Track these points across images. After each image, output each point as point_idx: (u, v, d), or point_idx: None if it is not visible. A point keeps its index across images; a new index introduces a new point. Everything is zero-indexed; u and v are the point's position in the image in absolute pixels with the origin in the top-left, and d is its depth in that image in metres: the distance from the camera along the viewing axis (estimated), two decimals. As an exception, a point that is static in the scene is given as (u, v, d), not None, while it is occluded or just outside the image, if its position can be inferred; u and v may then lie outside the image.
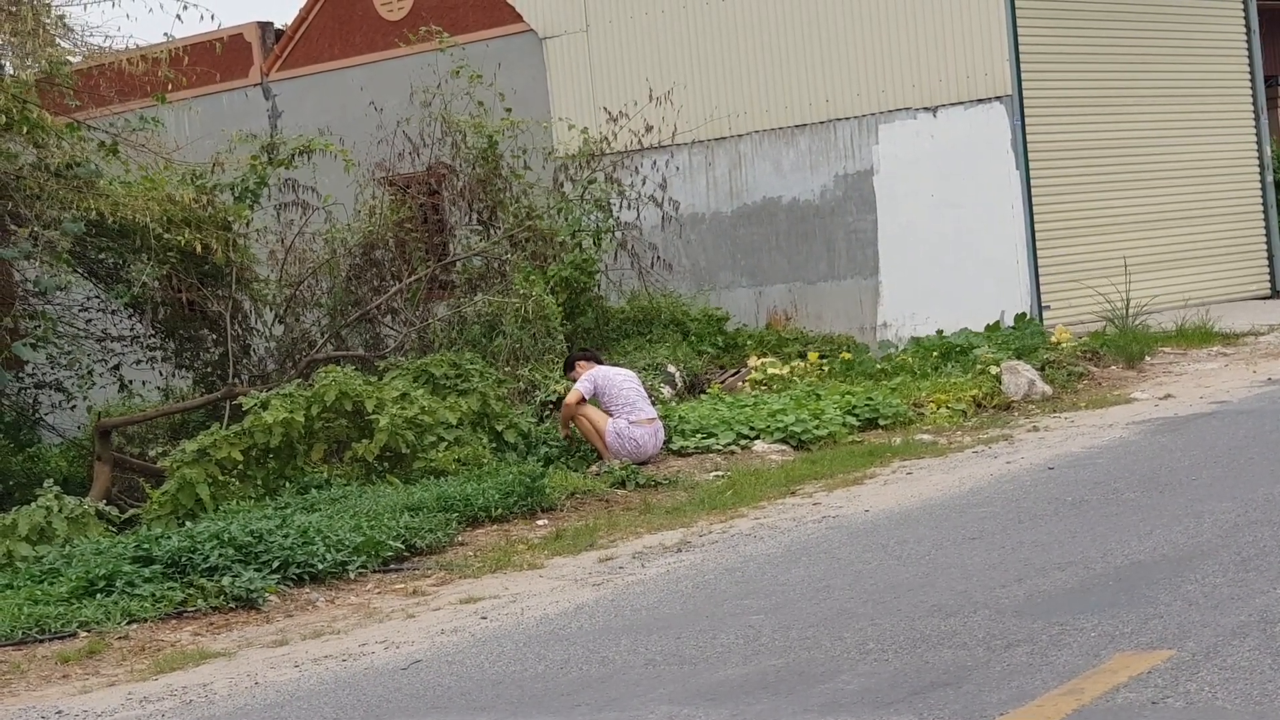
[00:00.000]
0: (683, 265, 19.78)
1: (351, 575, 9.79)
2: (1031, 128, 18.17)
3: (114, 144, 15.81)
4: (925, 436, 13.31)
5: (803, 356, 17.38)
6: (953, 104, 18.31)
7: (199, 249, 15.38)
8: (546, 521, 11.18)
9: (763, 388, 15.94)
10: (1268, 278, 21.00)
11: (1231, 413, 12.69)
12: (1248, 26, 20.86)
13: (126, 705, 7.39)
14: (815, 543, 9.43)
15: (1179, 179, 20.06)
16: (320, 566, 9.67)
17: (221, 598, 9.16)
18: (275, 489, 12.27)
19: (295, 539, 9.77)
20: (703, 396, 15.86)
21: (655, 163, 18.96)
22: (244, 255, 16.54)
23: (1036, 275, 18.10)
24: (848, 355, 16.78)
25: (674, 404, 15.17)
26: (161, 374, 17.82)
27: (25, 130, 14.31)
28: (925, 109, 18.50)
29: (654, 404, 13.86)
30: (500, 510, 11.22)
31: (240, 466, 12.33)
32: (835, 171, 19.21)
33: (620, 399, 13.07)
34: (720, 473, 12.56)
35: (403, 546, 10.21)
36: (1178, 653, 6.12)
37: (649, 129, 18.75)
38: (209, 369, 17.12)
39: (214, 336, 16.95)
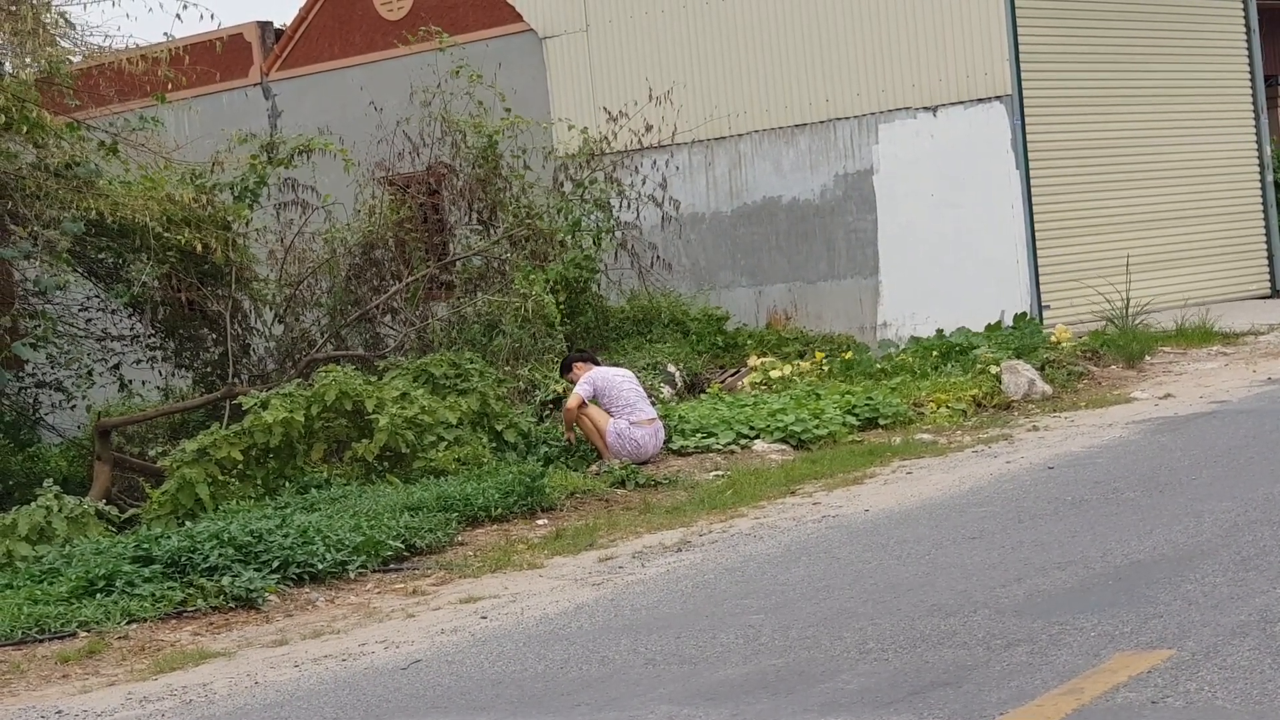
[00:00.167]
0: (683, 265, 19.78)
1: (351, 575, 9.78)
2: (1031, 127, 18.17)
3: (114, 144, 15.81)
4: (925, 436, 13.31)
5: (803, 356, 17.39)
6: (953, 104, 18.32)
7: (199, 249, 15.38)
8: (546, 521, 11.18)
9: (762, 387, 15.94)
10: (1267, 277, 21.00)
11: (1231, 412, 12.69)
12: (1248, 26, 20.86)
13: (126, 705, 7.39)
14: (815, 542, 9.43)
15: (1179, 178, 20.06)
16: (320, 566, 9.67)
17: (221, 597, 9.16)
18: (275, 489, 12.27)
19: (295, 539, 9.77)
20: (702, 396, 15.87)
21: (655, 162, 18.97)
22: (244, 255, 16.54)
23: (1036, 275, 18.10)
24: (848, 355, 16.79)
25: (674, 403, 15.18)
26: (161, 374, 17.82)
27: (25, 130, 14.31)
28: (925, 109, 18.51)
29: (653, 404, 13.86)
30: (500, 510, 11.22)
31: (240, 466, 12.33)
32: (835, 171, 19.21)
33: (620, 400, 13.06)
34: (720, 472, 12.56)
35: (402, 546, 10.21)
36: (1178, 652, 6.12)
37: (649, 129, 18.76)
38: (209, 369, 17.12)
39: (214, 336, 16.94)
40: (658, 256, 18.58)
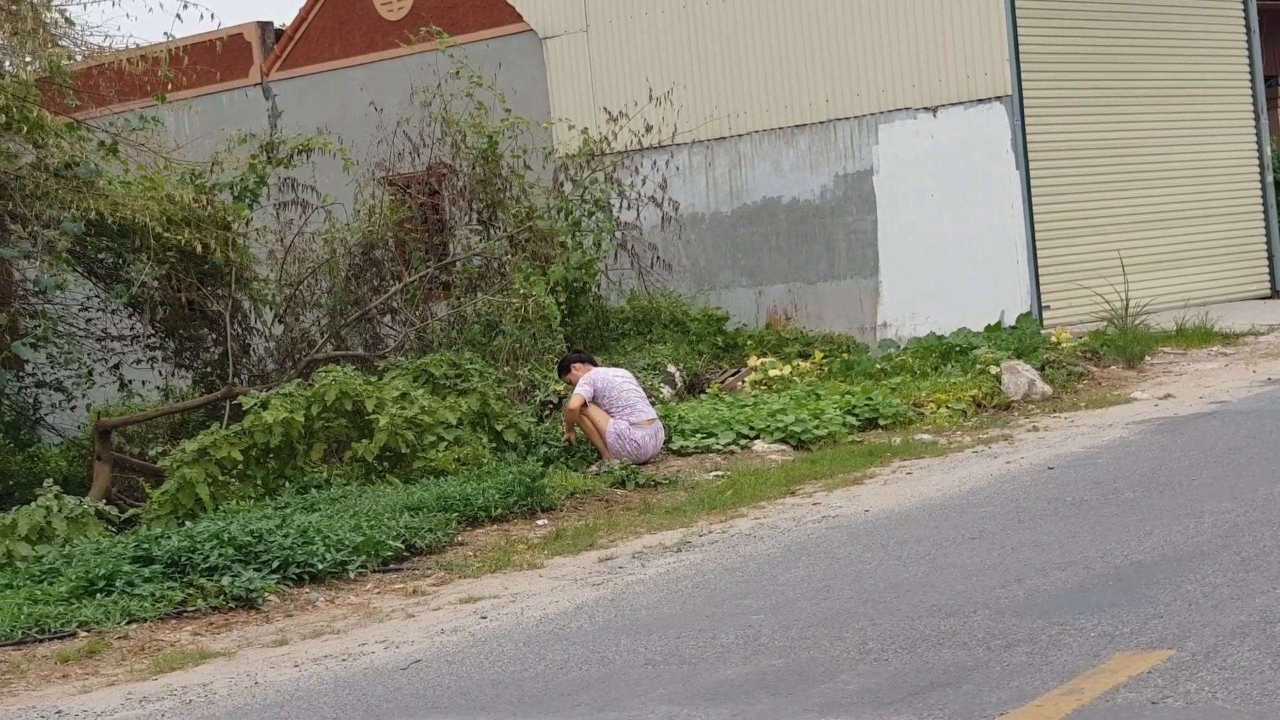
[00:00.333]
0: (683, 265, 19.78)
1: (351, 575, 9.78)
2: (1031, 128, 18.17)
3: (114, 143, 15.80)
4: (925, 436, 13.31)
5: (803, 356, 17.39)
6: (953, 104, 18.32)
7: (198, 248, 15.37)
8: (546, 521, 11.18)
9: (762, 388, 15.94)
10: (1267, 278, 21.00)
11: (1231, 413, 12.69)
12: (1248, 26, 20.86)
13: (126, 705, 7.39)
14: (815, 542, 9.43)
15: (1179, 179, 20.05)
16: (320, 566, 9.66)
17: (221, 597, 9.16)
18: (275, 489, 12.27)
19: (295, 539, 9.77)
20: (702, 396, 15.87)
21: (655, 163, 18.97)
22: (243, 255, 16.53)
23: (1036, 275, 18.10)
24: (848, 355, 16.79)
25: (674, 404, 15.18)
26: (161, 374, 17.82)
27: (25, 130, 14.30)
28: (925, 109, 18.51)
29: (653, 404, 13.85)
30: (500, 510, 11.22)
31: (240, 466, 12.33)
32: (835, 171, 19.21)
33: (620, 400, 13.06)
34: (720, 472, 12.56)
35: (402, 546, 10.21)
36: (1178, 653, 6.12)
37: (649, 129, 18.76)
38: (209, 369, 17.12)
39: (214, 336, 16.94)
40: (658, 257, 18.58)
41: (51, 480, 11.83)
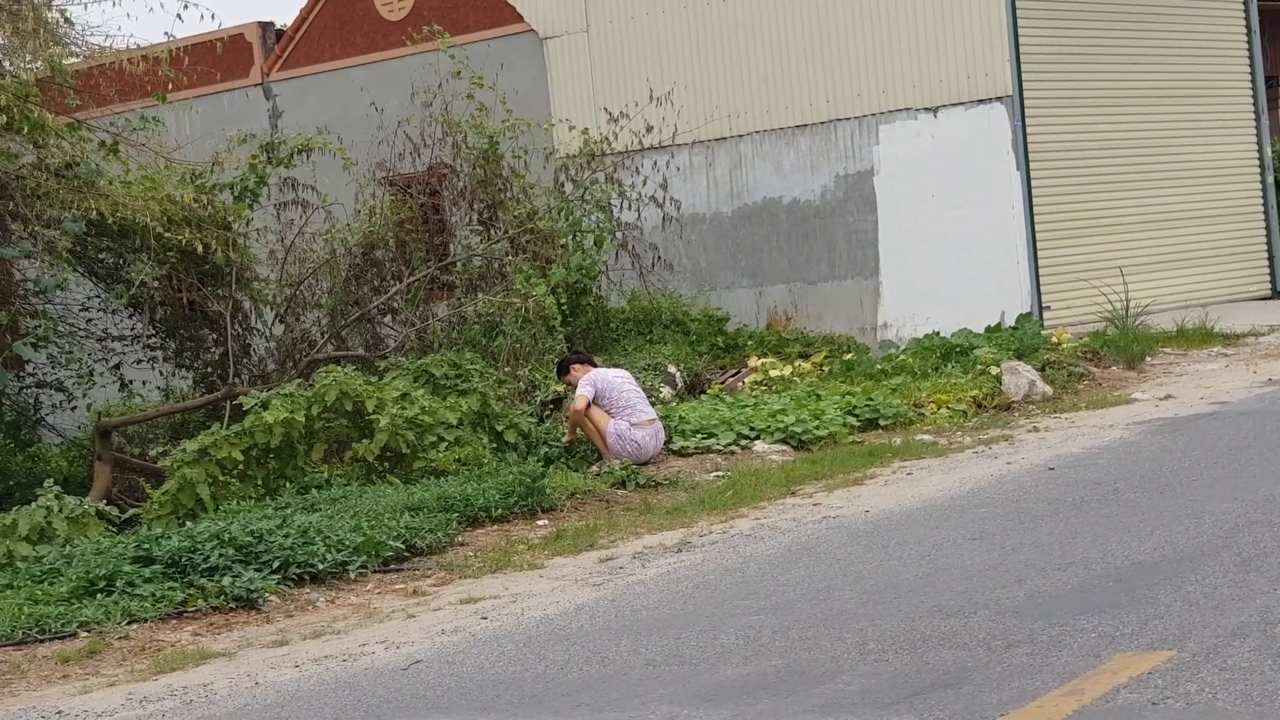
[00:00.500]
0: (683, 265, 19.78)
1: (352, 575, 9.79)
2: (1032, 128, 18.17)
3: (114, 143, 15.81)
4: (925, 437, 13.31)
5: (804, 356, 17.39)
6: (953, 104, 18.32)
7: (199, 249, 15.38)
8: (547, 522, 11.18)
9: (763, 388, 15.94)
10: (1268, 278, 20.99)
11: (1232, 413, 12.69)
12: (1248, 27, 20.86)
13: (127, 705, 7.39)
14: (815, 543, 9.43)
15: (1179, 179, 20.05)
16: (320, 567, 9.67)
17: (222, 598, 9.16)
18: (275, 489, 12.27)
19: (295, 539, 9.77)
20: (703, 397, 15.86)
21: (656, 163, 18.97)
22: (244, 255, 16.54)
23: (1037, 276, 18.10)
24: (848, 356, 16.79)
25: (674, 404, 15.17)
26: (162, 374, 17.82)
27: (26, 130, 14.30)
28: (926, 109, 18.50)
29: (653, 404, 13.85)
30: (500, 510, 11.22)
31: (241, 466, 12.34)
32: (836, 172, 19.21)
33: (621, 401, 13.06)
34: (720, 473, 12.56)
35: (403, 546, 10.21)
36: (1178, 653, 6.12)
37: (649, 129, 18.76)
38: (209, 369, 17.12)
39: (214, 336, 16.94)
40: (658, 257, 18.58)
41: (52, 480, 11.84)
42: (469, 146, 17.68)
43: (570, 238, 17.36)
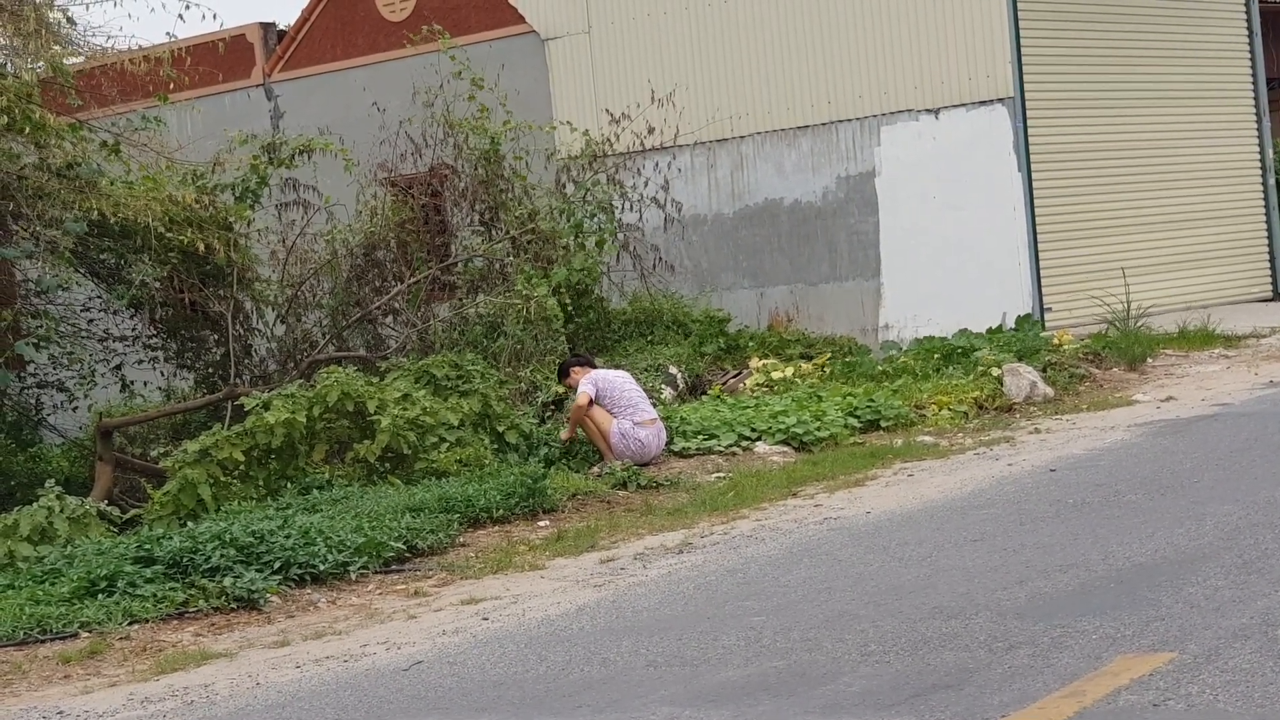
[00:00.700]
0: (685, 266, 19.78)
1: (353, 576, 9.79)
2: (1033, 130, 18.17)
3: (116, 144, 15.81)
4: (927, 438, 13.31)
5: (805, 358, 17.38)
6: (955, 106, 18.32)
7: (200, 249, 15.38)
8: (548, 522, 11.19)
9: (764, 389, 15.94)
10: (1269, 280, 21.00)
11: (1233, 415, 12.68)
12: (1249, 29, 20.87)
13: (128, 706, 7.40)
14: (817, 544, 9.43)
15: (1181, 181, 20.06)
16: (322, 567, 9.67)
17: (223, 598, 9.17)
18: (277, 489, 12.27)
19: (297, 540, 9.78)
20: (704, 398, 15.86)
21: (657, 164, 18.97)
22: (245, 255, 16.54)
23: (1038, 277, 18.10)
24: (849, 357, 16.79)
25: (675, 405, 15.17)
26: (163, 374, 17.83)
27: (27, 130, 14.31)
28: (927, 111, 18.51)
29: (654, 405, 13.86)
30: (502, 511, 11.22)
31: (242, 467, 12.34)
32: (837, 173, 19.21)
33: (622, 400, 13.07)
34: (722, 474, 12.56)
35: (404, 547, 10.21)
36: (1179, 655, 6.12)
37: (651, 130, 18.76)
38: (210, 369, 17.12)
39: (216, 337, 16.94)
40: (660, 258, 18.59)
41: (53, 481, 11.85)
42: (470, 147, 17.67)
43: (572, 239, 17.35)
